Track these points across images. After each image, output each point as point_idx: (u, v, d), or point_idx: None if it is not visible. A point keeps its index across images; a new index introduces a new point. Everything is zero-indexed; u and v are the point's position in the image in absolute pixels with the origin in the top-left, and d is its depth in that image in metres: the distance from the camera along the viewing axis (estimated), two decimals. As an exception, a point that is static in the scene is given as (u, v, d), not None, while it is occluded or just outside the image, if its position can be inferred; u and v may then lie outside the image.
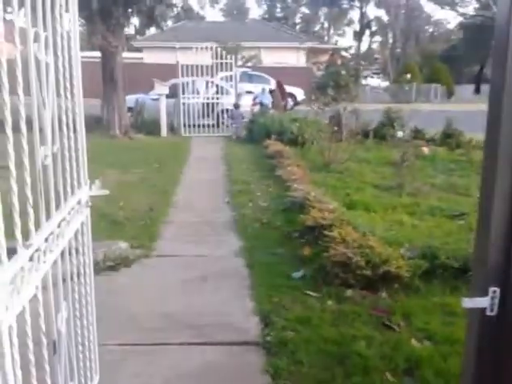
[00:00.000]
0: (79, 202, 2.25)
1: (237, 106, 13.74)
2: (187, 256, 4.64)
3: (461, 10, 39.25)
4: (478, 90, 42.28)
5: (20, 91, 1.47)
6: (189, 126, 13.20)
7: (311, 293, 3.80)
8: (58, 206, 1.89)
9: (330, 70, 12.18)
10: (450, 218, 5.92)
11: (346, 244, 4.12)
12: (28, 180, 1.49)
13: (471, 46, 43.03)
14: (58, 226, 1.86)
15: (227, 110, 13.66)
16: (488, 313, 1.19)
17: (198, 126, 13.36)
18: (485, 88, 45.61)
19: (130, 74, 23.88)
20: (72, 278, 2.22)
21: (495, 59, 1.10)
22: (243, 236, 5.16)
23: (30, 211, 1.51)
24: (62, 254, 1.96)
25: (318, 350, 3.02)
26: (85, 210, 2.36)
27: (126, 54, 33.51)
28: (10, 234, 1.33)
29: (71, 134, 2.16)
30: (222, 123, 13.76)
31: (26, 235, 1.47)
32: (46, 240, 1.71)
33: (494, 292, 1.18)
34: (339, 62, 20.44)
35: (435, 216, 6.01)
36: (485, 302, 1.18)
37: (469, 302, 1.19)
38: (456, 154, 10.88)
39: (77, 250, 2.32)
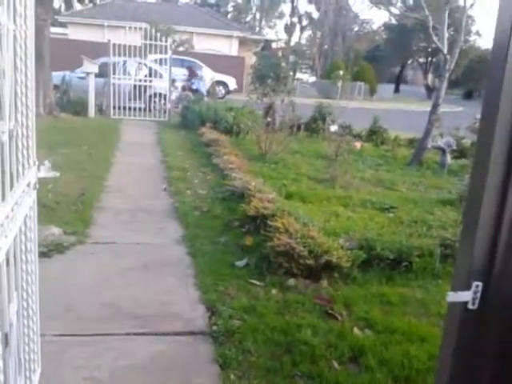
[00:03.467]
0: (29, 185, 2.09)
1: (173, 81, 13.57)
2: (126, 243, 4.48)
3: (392, 9, 40.90)
4: (397, 90, 44.73)
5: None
6: (119, 108, 12.70)
7: (255, 282, 3.81)
8: (11, 188, 1.73)
9: (270, 61, 12.20)
10: (380, 211, 6.18)
11: (289, 234, 4.17)
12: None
13: (393, 46, 45.23)
14: (12, 209, 1.71)
15: (159, 94, 13.32)
16: (470, 306, 1.24)
17: (129, 108, 12.90)
18: (403, 87, 48.40)
19: (55, 50, 22.58)
20: (19, 266, 2.06)
21: (494, 61, 1.14)
22: (184, 224, 5.06)
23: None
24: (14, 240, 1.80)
25: (265, 338, 3.04)
26: (33, 193, 2.19)
27: (50, 29, 31.61)
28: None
29: (24, 110, 2.00)
30: (154, 107, 13.39)
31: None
32: (2, 225, 1.56)
33: (477, 286, 1.23)
34: (279, 53, 20.58)
35: (367, 208, 6.25)
36: (467, 296, 1.23)
37: (452, 296, 1.23)
38: (382, 149, 11.41)
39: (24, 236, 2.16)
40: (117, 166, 7.51)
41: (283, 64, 12.42)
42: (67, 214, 5.01)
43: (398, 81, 48.58)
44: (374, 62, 39.02)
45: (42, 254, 3.94)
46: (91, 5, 31.87)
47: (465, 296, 1.24)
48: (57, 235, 4.27)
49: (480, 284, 1.23)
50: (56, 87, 12.72)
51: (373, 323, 3.35)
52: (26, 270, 2.18)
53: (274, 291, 3.68)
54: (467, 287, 1.24)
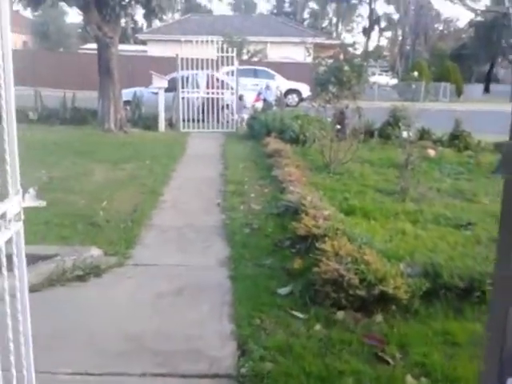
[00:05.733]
0: (3, 216, 1.85)
1: (241, 97, 13.48)
2: (166, 265, 4.24)
3: (472, 5, 38.47)
4: (487, 89, 41.56)
5: None
6: (188, 120, 12.76)
7: (297, 313, 3.39)
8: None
9: (332, 65, 11.65)
10: (455, 228, 5.49)
11: (338, 258, 3.70)
12: None
13: (481, 44, 42.31)
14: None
15: (227, 106, 13.24)
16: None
17: (198, 121, 12.93)
18: (494, 87, 44.98)
19: (134, 67, 23.56)
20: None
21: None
22: (231, 243, 4.75)
23: None
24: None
25: (298, 386, 2.61)
26: (15, 225, 1.96)
27: (130, 47, 33.30)
28: None
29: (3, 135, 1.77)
30: (223, 119, 13.33)
31: None
32: None
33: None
34: (341, 57, 19.84)
35: (440, 225, 5.58)
36: None
37: None
38: (464, 156, 10.43)
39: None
40: (176, 180, 7.40)
41: (346, 67, 11.77)
42: (114, 233, 4.88)
43: (488, 80, 45.26)
44: (460, 62, 36.79)
45: (78, 278, 3.83)
46: (170, 21, 32.98)
47: None
48: (96, 257, 4.13)
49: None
50: (129, 103, 13.07)
51: (431, 370, 2.80)
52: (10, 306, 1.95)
53: (317, 327, 3.24)
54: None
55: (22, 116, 12.07)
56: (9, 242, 1.94)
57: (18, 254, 2.03)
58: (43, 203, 2.05)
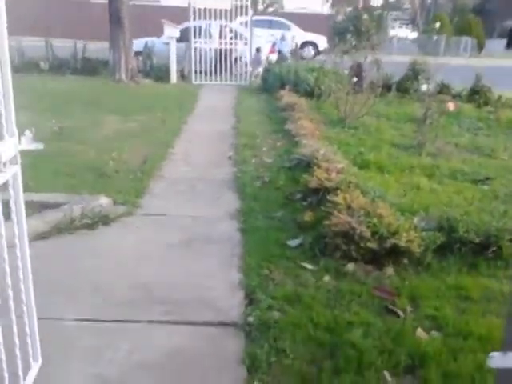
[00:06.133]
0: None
1: (258, 49, 13.13)
2: (175, 216, 4.19)
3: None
4: (510, 45, 39.95)
5: None
6: (200, 72, 12.48)
7: (307, 265, 3.33)
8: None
9: (350, 13, 11.14)
10: (473, 183, 5.34)
11: (350, 211, 3.61)
12: None
13: (506, -1, 40.33)
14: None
15: (241, 58, 12.88)
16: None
17: (210, 73, 12.63)
18: (518, 43, 43.22)
19: (146, 17, 22.98)
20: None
21: None
22: (241, 196, 4.67)
23: None
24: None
25: (305, 337, 2.58)
26: (11, 168, 1.88)
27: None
28: None
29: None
30: (236, 71, 13.00)
31: None
32: None
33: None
34: (360, 4, 19.06)
35: (457, 180, 5.44)
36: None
37: (499, 359, 0.69)
38: (484, 111, 10.10)
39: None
40: (187, 132, 7.27)
41: (365, 16, 11.25)
42: (123, 182, 4.82)
43: (511, 35, 43.43)
44: (482, 16, 35.19)
45: (86, 226, 3.80)
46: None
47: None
48: (104, 206, 4.08)
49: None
50: (141, 53, 12.78)
51: (443, 323, 2.75)
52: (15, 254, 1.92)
53: (326, 278, 3.18)
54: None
55: (33, 66, 11.91)
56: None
57: (16, 198, 1.97)
58: (40, 146, 1.97)
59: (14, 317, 1.93)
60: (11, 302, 1.90)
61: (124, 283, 3.06)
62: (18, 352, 1.97)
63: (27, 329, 2.08)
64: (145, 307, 2.81)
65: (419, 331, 2.67)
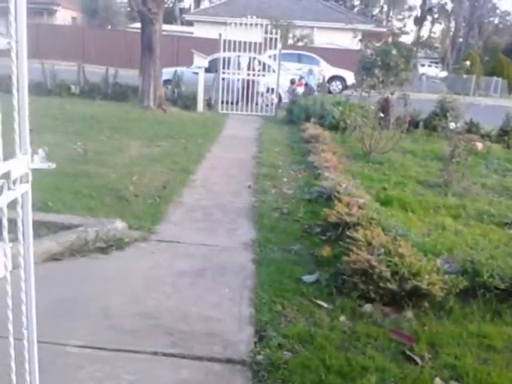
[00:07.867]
0: (7, 176, 1.73)
1: (293, 81, 13.32)
2: (190, 244, 4.11)
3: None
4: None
5: None
6: (227, 102, 12.61)
7: (322, 303, 3.20)
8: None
9: (379, 48, 11.10)
10: (499, 226, 5.14)
11: (370, 248, 3.48)
12: None
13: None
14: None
15: (268, 89, 12.99)
16: None
17: (237, 103, 12.75)
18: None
19: (179, 48, 23.57)
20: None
21: None
22: (258, 226, 4.58)
23: None
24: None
25: (316, 380, 2.44)
26: (21, 187, 1.84)
27: (176, 27, 33.33)
28: None
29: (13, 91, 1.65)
30: (262, 103, 13.09)
31: None
32: None
33: None
34: (390, 39, 19.06)
35: (483, 222, 5.25)
36: None
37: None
38: (513, 152, 9.88)
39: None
40: (209, 160, 7.27)
41: (394, 51, 11.20)
42: (141, 207, 4.79)
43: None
44: (513, 57, 35.01)
45: (100, 249, 3.76)
46: (217, 2, 32.84)
47: None
48: (120, 230, 4.04)
49: None
50: (169, 82, 13.02)
51: (463, 373, 2.57)
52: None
53: (342, 318, 3.04)
54: None
55: (64, 89, 12.22)
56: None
57: (24, 217, 1.92)
58: (52, 165, 1.93)
59: (12, 340, 1.86)
60: (10, 326, 1.83)
61: (132, 310, 2.97)
62: (14, 378, 1.89)
63: (26, 353, 2.00)
64: (151, 337, 2.72)
65: (437, 381, 2.50)
